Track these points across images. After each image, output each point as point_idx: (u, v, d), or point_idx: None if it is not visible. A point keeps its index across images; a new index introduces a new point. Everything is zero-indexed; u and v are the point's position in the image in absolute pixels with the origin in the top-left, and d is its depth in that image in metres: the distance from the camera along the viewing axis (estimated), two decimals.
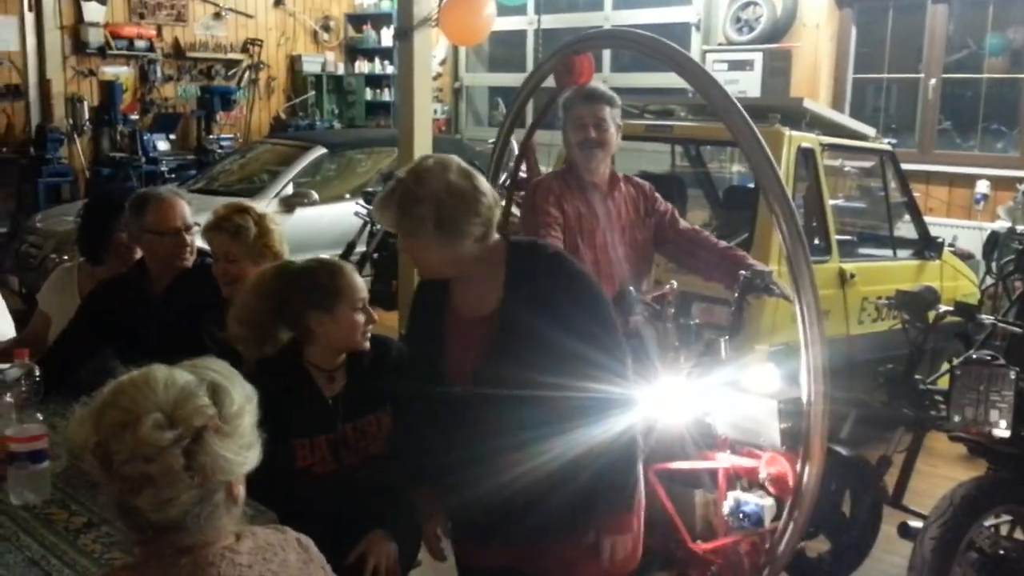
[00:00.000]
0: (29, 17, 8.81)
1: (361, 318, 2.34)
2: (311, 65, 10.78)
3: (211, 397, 1.38)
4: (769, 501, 2.87)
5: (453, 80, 10.97)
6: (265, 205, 7.07)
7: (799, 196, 4.17)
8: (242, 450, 1.39)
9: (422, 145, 5.92)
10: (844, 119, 4.87)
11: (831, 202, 4.50)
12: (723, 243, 3.36)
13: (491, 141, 6.86)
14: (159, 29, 9.67)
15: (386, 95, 10.87)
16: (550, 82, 3.51)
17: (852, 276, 4.20)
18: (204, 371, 1.42)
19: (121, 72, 9.42)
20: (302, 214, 7.05)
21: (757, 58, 7.61)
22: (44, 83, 8.92)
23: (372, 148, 8.34)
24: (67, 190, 8.80)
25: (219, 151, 9.58)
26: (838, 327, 4.18)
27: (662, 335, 3.03)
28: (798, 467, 2.69)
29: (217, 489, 1.38)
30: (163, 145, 9.37)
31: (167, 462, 1.32)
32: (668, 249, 3.37)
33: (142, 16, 9.57)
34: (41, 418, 2.25)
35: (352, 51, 11.22)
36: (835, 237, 4.21)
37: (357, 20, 11.19)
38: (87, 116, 9.07)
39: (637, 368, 2.37)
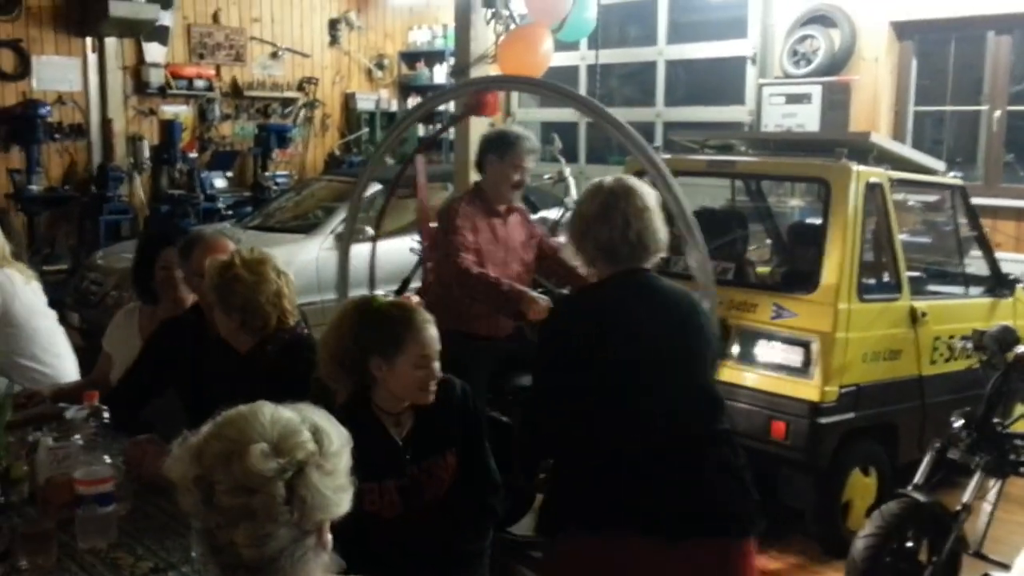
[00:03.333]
0: (92, 58, 9.04)
1: (421, 375, 2.27)
2: (365, 102, 10.91)
3: (313, 434, 1.40)
4: None
5: (505, 116, 11.01)
6: (321, 242, 7.14)
7: (868, 232, 4.06)
8: (338, 491, 1.41)
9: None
10: (912, 153, 4.75)
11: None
12: (570, 264, 3.77)
13: (547, 176, 6.87)
14: (218, 69, 9.87)
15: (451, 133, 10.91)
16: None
17: (923, 314, 4.07)
18: (305, 411, 1.46)
19: (180, 111, 9.61)
20: (357, 250, 7.05)
21: (815, 91, 7.51)
22: (106, 123, 9.13)
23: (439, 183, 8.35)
24: (127, 227, 8.96)
25: (275, 188, 9.71)
26: (909, 367, 4.04)
27: None
28: None
29: (311, 530, 1.39)
30: (220, 183, 9.52)
31: (270, 493, 1.33)
32: (545, 265, 3.94)
33: (201, 56, 9.77)
34: (109, 460, 2.24)
35: (405, 88, 11.33)
36: (905, 274, 4.09)
37: (410, 58, 11.31)
38: (147, 155, 9.26)
39: None
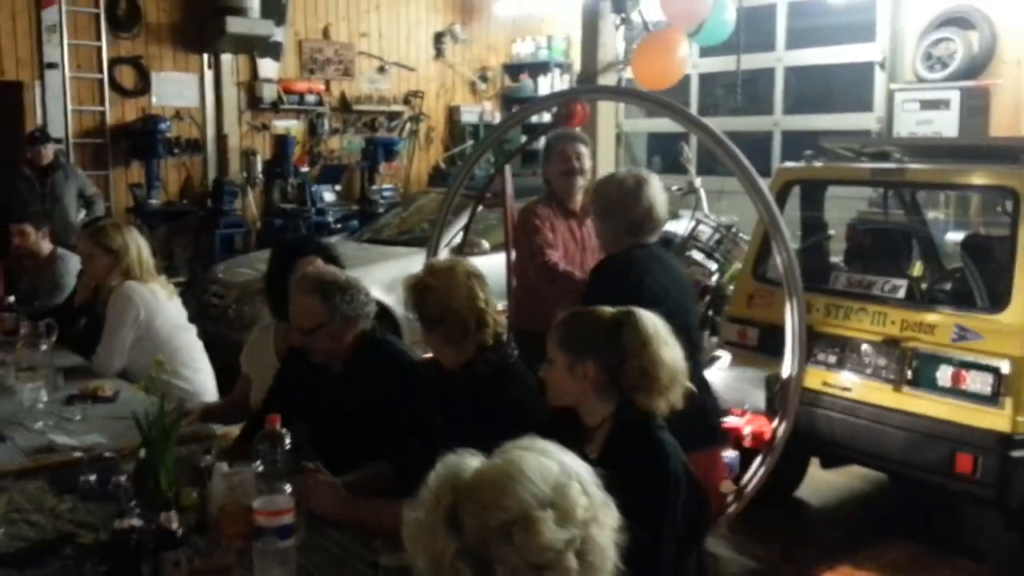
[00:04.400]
0: (208, 74, 9.18)
1: None
2: (469, 115, 10.84)
3: (578, 482, 1.17)
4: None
5: (612, 127, 10.80)
6: (442, 255, 7.03)
7: None
8: (614, 541, 1.18)
9: None
10: None
11: None
12: None
13: (676, 187, 6.62)
14: (327, 84, 9.93)
15: (543, 143, 10.77)
16: None
17: None
18: (547, 453, 1.21)
19: (291, 126, 9.68)
20: (473, 263, 6.93)
21: (954, 96, 7.11)
22: (221, 138, 9.25)
23: (533, 197, 8.20)
24: (240, 241, 9.04)
25: (382, 201, 9.69)
26: None
27: None
28: (774, 425, 3.50)
29: None
30: (329, 196, 9.54)
31: (562, 568, 1.10)
32: None
33: (312, 72, 9.84)
34: (289, 490, 2.10)
35: (508, 100, 11.22)
36: None
37: (514, 70, 11.21)
38: (260, 169, 9.34)
39: None
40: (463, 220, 7.28)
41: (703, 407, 2.83)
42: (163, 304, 3.97)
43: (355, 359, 2.79)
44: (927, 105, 7.27)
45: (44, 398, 3.18)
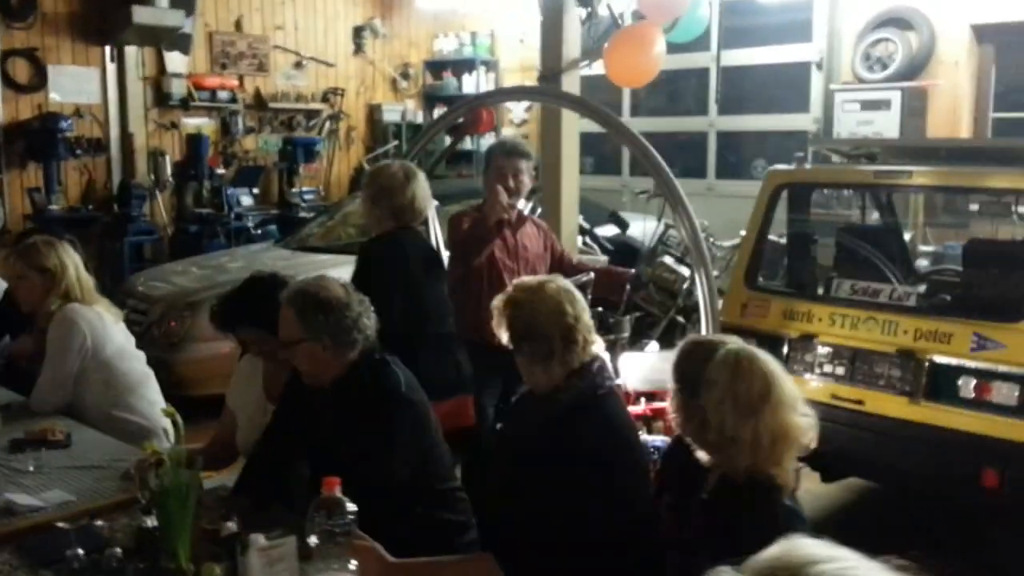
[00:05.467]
0: (111, 68, 8.47)
1: None
2: (391, 114, 10.40)
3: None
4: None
5: (541, 127, 10.56)
6: None
7: None
8: None
9: (570, 196, 5.47)
10: None
11: None
12: (599, 264, 4.37)
13: (640, 191, 6.39)
14: (240, 79, 9.32)
15: (467, 143, 10.44)
16: None
17: None
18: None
19: (203, 124, 9.05)
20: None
21: (894, 97, 7.14)
22: (126, 137, 8.55)
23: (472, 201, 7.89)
24: (150, 249, 8.39)
25: (303, 205, 9.18)
26: None
27: None
28: None
29: None
30: (247, 200, 8.94)
31: None
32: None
33: (224, 66, 9.22)
34: (353, 567, 1.74)
35: (431, 99, 10.83)
36: None
37: (436, 67, 10.82)
38: (169, 171, 8.67)
39: None
40: None
41: (457, 361, 3.46)
42: (110, 329, 3.49)
43: (343, 382, 2.49)
44: (867, 105, 7.29)
45: None
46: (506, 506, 2.26)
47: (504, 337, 2.32)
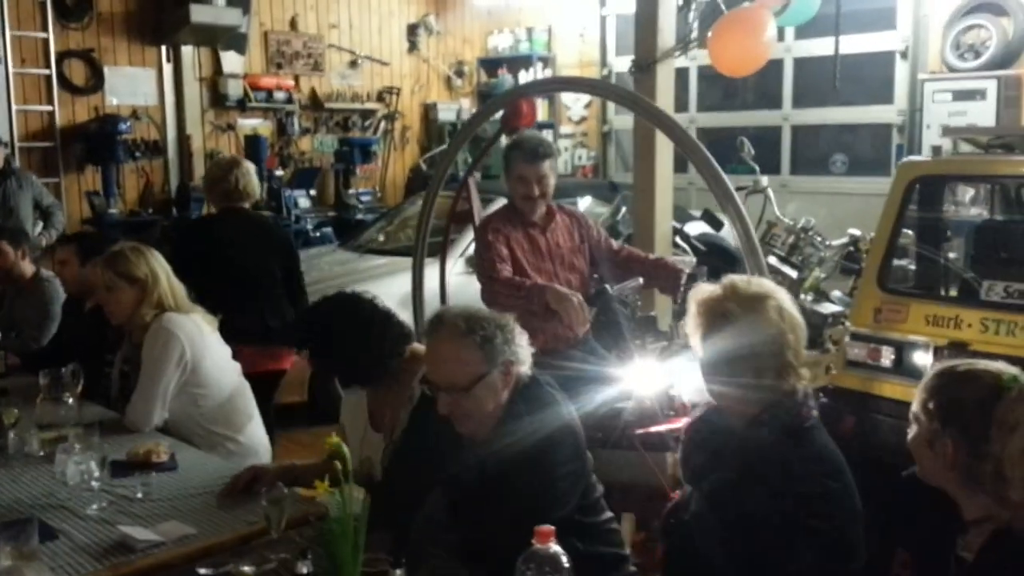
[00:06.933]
0: (167, 69, 8.28)
1: None
2: (446, 113, 10.14)
3: None
4: None
5: (601, 124, 10.28)
6: (452, 265, 6.35)
7: None
8: None
9: (663, 199, 5.16)
10: None
11: None
12: (651, 255, 3.99)
13: (740, 188, 6.07)
14: (296, 79, 9.11)
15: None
16: None
17: None
18: None
19: (259, 125, 8.84)
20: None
21: (990, 86, 6.77)
22: (183, 139, 8.36)
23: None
24: None
25: (359, 206, 8.95)
26: None
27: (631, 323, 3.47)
28: None
29: None
30: (304, 202, 8.72)
31: None
32: (604, 268, 3.76)
33: (279, 66, 9.01)
34: None
35: (486, 97, 10.55)
36: None
37: (491, 64, 10.55)
38: None
39: (618, 352, 3.34)
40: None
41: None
42: (208, 339, 3.24)
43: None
44: (960, 95, 6.93)
45: (96, 474, 2.42)
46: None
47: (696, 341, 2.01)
